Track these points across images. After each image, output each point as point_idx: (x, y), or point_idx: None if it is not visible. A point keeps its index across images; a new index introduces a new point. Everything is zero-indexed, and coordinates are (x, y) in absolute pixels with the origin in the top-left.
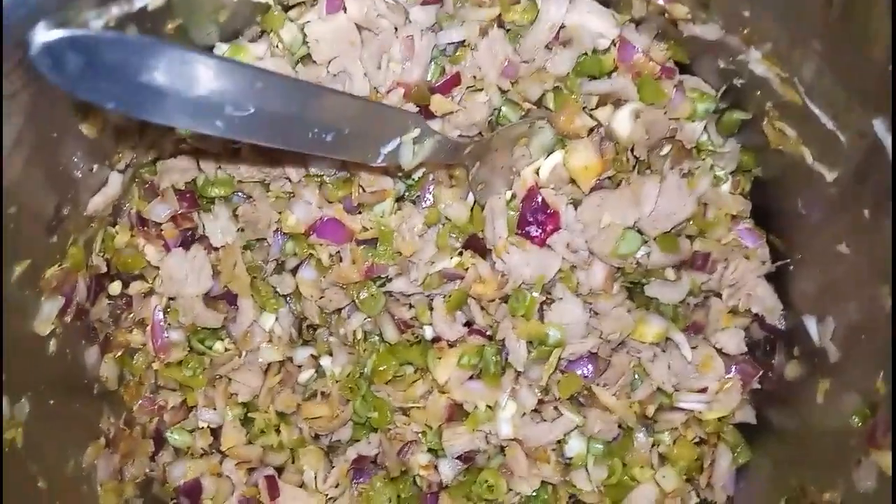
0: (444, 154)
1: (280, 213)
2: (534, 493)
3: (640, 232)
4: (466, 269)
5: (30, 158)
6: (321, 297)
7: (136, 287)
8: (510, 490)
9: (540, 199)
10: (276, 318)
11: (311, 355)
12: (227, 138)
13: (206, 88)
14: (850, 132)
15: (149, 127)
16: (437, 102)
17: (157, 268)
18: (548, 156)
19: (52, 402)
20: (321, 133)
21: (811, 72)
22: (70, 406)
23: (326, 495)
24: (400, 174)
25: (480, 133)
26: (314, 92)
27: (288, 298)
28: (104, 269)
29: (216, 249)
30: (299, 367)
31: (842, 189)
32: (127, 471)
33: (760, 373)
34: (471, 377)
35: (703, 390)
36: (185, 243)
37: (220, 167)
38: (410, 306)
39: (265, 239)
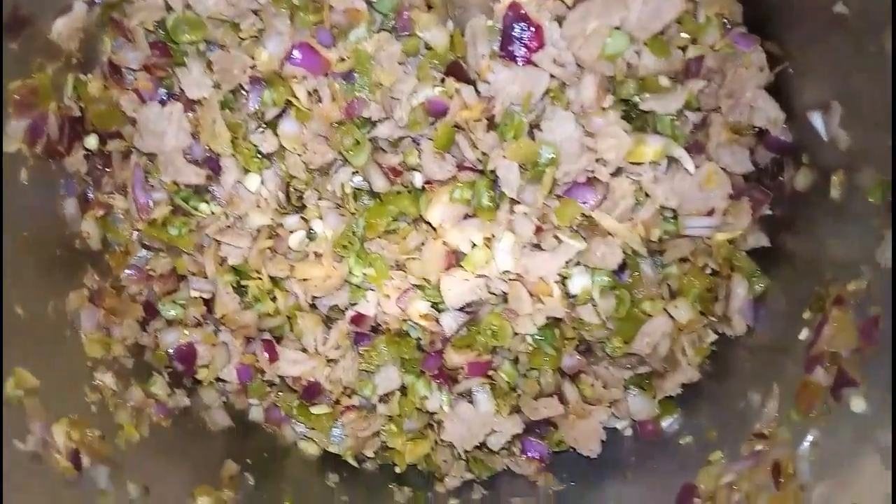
0: None
1: (253, 56)
2: (540, 336)
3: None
4: (451, 98)
5: None
6: (305, 151)
7: (114, 145)
8: (516, 335)
9: (522, 17)
10: (262, 181)
11: (302, 219)
12: None
13: None
14: None
15: None
16: None
17: (135, 122)
18: None
19: (25, 234)
20: None
21: None
22: (49, 249)
23: (327, 357)
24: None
25: None
26: None
27: (272, 159)
28: (78, 114)
29: (194, 109)
30: (291, 232)
31: None
32: (115, 329)
33: (770, 197)
34: (465, 216)
35: (710, 212)
36: (163, 103)
37: (188, 5)
38: (399, 153)
39: (243, 92)
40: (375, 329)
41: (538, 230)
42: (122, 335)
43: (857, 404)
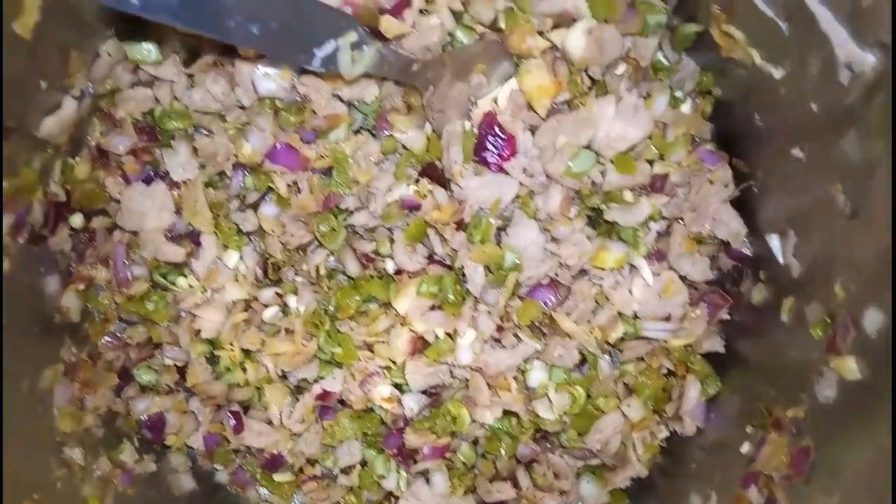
0: (389, 68)
1: (237, 144)
2: (498, 425)
3: (595, 152)
4: (424, 197)
5: None
6: (283, 233)
7: (99, 222)
8: (474, 421)
9: (497, 125)
10: (241, 256)
11: (277, 294)
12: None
13: None
14: (789, 17)
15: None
16: (388, 23)
17: (119, 202)
18: (506, 83)
19: (5, 321)
20: (246, 23)
21: None
22: (28, 330)
23: (291, 431)
24: (353, 100)
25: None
26: None
27: (252, 237)
28: (63, 199)
29: (178, 186)
30: (266, 306)
31: (790, 87)
32: (88, 400)
33: (729, 303)
34: (431, 307)
35: (668, 318)
36: (148, 181)
37: (175, 98)
38: (372, 240)
39: (226, 175)
40: (342, 401)
41: (499, 328)
42: (94, 405)
43: None
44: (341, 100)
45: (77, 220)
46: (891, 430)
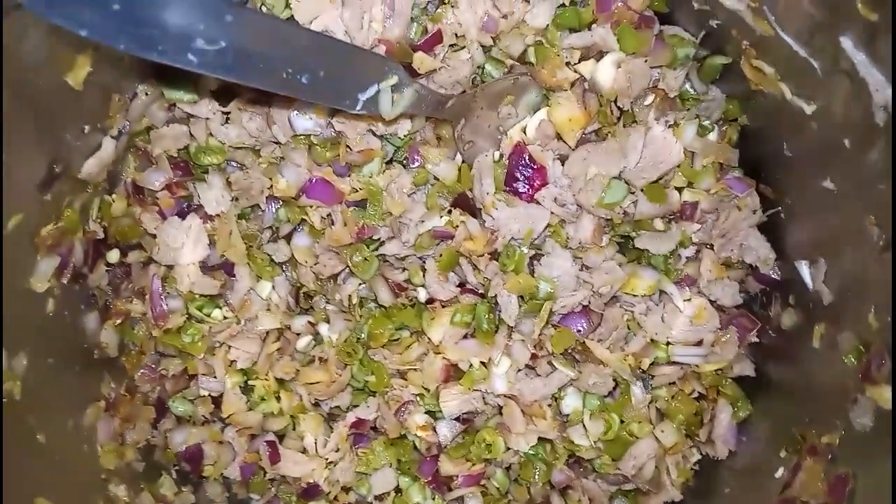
0: (425, 106)
1: (271, 178)
2: (532, 451)
3: (626, 182)
4: (456, 228)
5: (17, 106)
6: (316, 263)
7: (134, 256)
8: (508, 448)
9: (527, 156)
10: (273, 286)
11: (309, 322)
12: (217, 95)
13: (175, 19)
14: (823, 58)
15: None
16: (420, 59)
17: (155, 236)
18: (534, 113)
19: (50, 360)
20: (296, 74)
21: None
22: (70, 367)
23: (326, 459)
24: (386, 135)
25: (464, 91)
26: (285, 29)
27: (284, 266)
28: (101, 236)
29: (212, 219)
30: (298, 334)
31: (821, 122)
32: (128, 435)
33: (758, 326)
34: (465, 336)
35: (699, 343)
36: (182, 214)
37: (210, 134)
38: (404, 269)
39: (259, 207)
40: (374, 428)
41: (533, 357)
42: (134, 439)
43: None
44: (374, 134)
45: (114, 255)
46: None
